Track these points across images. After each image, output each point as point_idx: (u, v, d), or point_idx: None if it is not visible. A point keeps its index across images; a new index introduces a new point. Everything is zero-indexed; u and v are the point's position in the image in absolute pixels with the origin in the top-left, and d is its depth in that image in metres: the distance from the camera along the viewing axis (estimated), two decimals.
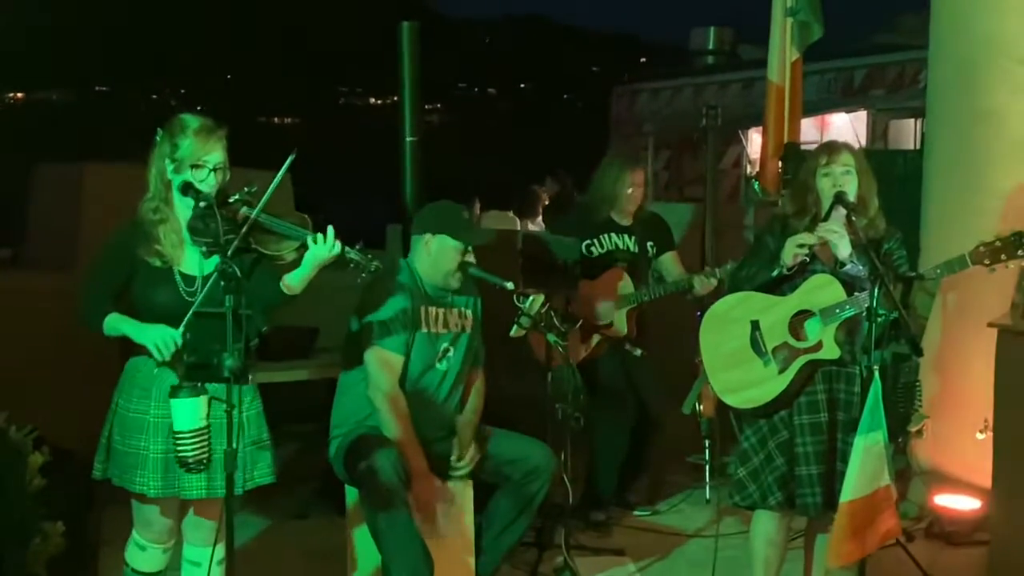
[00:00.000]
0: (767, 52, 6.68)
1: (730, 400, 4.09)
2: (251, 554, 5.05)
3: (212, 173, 3.53)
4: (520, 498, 4.50)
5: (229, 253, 3.33)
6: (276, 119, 54.66)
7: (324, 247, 3.58)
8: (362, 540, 4.43)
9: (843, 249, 3.91)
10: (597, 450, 5.64)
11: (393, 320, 4.36)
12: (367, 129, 39.08)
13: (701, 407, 5.75)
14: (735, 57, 17.83)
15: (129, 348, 3.64)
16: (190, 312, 3.46)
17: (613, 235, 5.70)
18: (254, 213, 3.52)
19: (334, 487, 4.86)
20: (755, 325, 4.03)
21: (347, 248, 3.63)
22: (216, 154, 3.55)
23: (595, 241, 5.68)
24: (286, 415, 4.10)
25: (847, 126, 14.08)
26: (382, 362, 4.36)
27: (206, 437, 3.35)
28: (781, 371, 3.98)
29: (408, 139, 6.01)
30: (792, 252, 3.95)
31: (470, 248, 4.44)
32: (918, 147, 11.00)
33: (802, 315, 4.00)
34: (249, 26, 53.57)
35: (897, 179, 6.79)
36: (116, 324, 3.55)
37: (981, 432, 5.27)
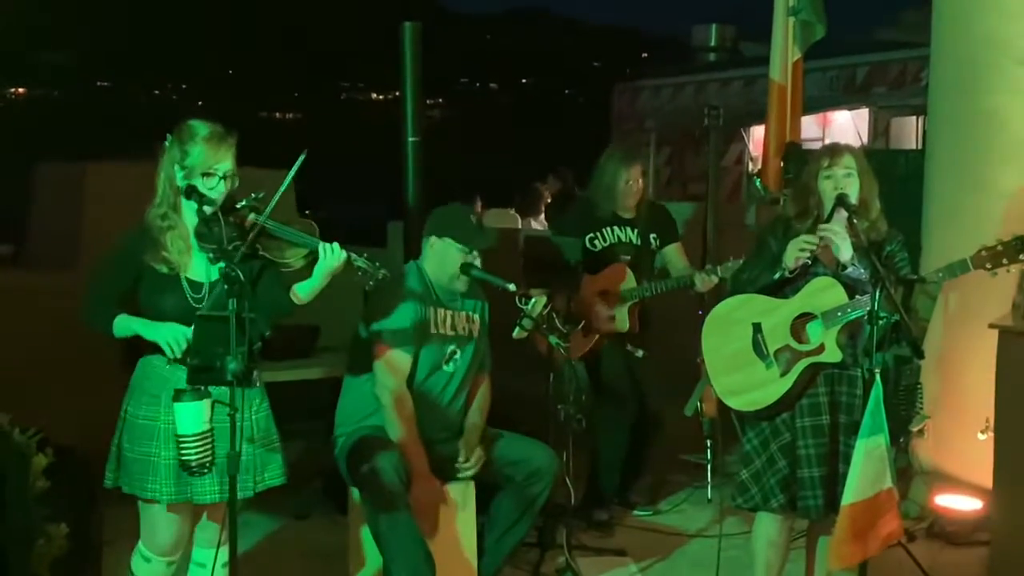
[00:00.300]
0: (769, 49, 6.69)
1: (732, 402, 4.10)
2: (254, 554, 5.07)
3: (222, 181, 3.54)
4: (522, 499, 4.52)
5: (236, 259, 3.33)
6: (277, 114, 54.66)
7: (332, 257, 3.59)
8: (365, 540, 4.45)
9: (845, 252, 3.92)
10: (598, 449, 5.66)
11: (403, 329, 4.39)
12: (368, 125, 39.06)
13: (703, 407, 5.76)
14: (737, 54, 17.83)
15: (133, 347, 3.65)
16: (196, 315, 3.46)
17: (616, 228, 5.70)
18: (261, 219, 3.52)
19: (336, 487, 4.88)
20: (757, 327, 4.03)
21: (354, 256, 3.64)
22: (226, 162, 3.55)
23: (598, 234, 5.69)
24: (287, 414, 4.10)
25: (849, 123, 14.09)
26: (391, 366, 4.39)
27: (209, 441, 3.36)
28: (783, 374, 3.99)
29: (410, 139, 6.01)
30: (794, 254, 3.95)
31: (474, 251, 4.46)
32: (920, 145, 11.00)
33: (804, 318, 4.01)
34: (250, 21, 53.55)
35: (898, 179, 6.80)
36: (127, 324, 3.56)
37: (982, 432, 5.27)
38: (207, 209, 3.45)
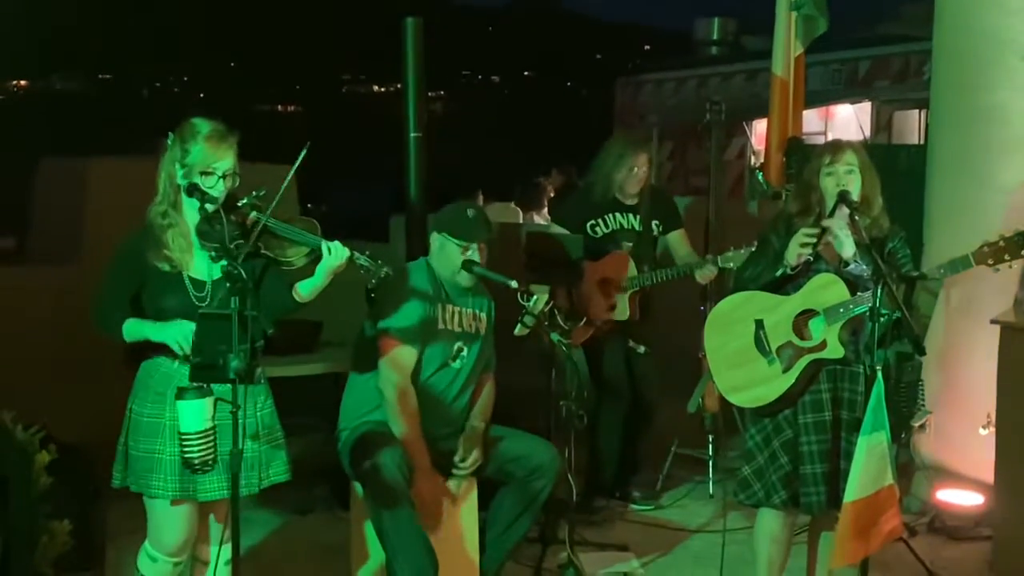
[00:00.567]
0: (771, 43, 6.69)
1: (735, 399, 4.11)
2: (256, 550, 5.08)
3: (221, 180, 3.53)
4: (524, 496, 4.52)
5: (240, 258, 3.33)
6: (279, 107, 54.60)
7: (335, 256, 3.60)
8: (367, 535, 4.45)
9: (847, 248, 3.92)
10: (598, 441, 5.66)
11: (410, 326, 4.39)
12: (370, 118, 39.03)
13: (704, 402, 5.76)
14: (739, 48, 17.81)
15: (135, 345, 3.65)
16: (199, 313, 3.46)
17: (617, 214, 5.70)
18: (263, 218, 3.52)
19: (338, 482, 4.88)
20: (759, 324, 4.04)
21: (356, 254, 3.64)
22: (227, 161, 3.55)
23: (599, 221, 5.68)
24: (289, 410, 4.11)
25: (851, 117, 14.07)
26: (396, 363, 4.40)
27: (212, 439, 3.36)
28: (785, 370, 4.00)
29: (412, 135, 6.02)
30: (796, 250, 3.96)
31: (474, 246, 4.46)
32: (922, 139, 10.99)
33: (806, 314, 4.01)
34: (251, 13, 53.48)
35: (900, 174, 6.79)
36: (136, 329, 3.56)
37: (984, 428, 5.28)
38: (209, 207, 3.45)
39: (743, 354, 4.06)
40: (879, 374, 3.59)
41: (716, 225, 6.22)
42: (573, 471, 4.71)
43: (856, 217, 3.90)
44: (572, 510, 4.75)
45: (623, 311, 5.60)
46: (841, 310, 3.93)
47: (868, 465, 3.59)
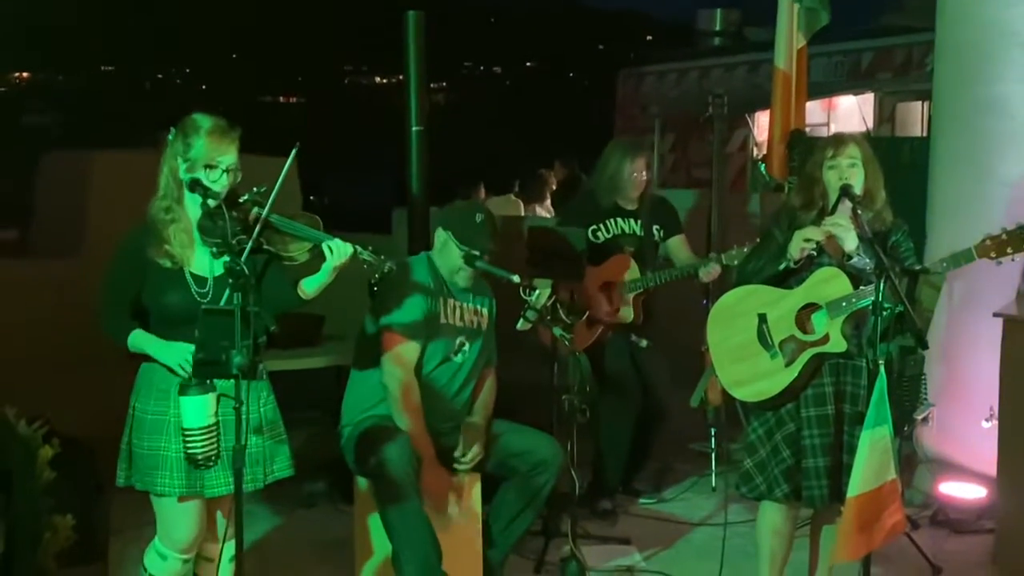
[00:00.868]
0: (773, 34, 6.68)
1: (738, 393, 4.11)
2: (260, 544, 5.09)
3: (224, 174, 3.52)
4: (527, 490, 4.53)
5: (244, 255, 3.33)
6: (281, 98, 54.55)
7: (339, 254, 3.59)
8: (372, 530, 4.45)
9: (850, 242, 3.92)
10: (602, 438, 5.66)
11: (412, 321, 4.39)
12: (372, 109, 38.98)
13: (707, 395, 5.76)
14: (741, 39, 17.75)
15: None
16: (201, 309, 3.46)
17: (619, 219, 5.71)
18: (265, 212, 3.52)
19: (342, 476, 4.89)
20: (762, 318, 4.04)
21: (359, 249, 3.64)
22: (229, 156, 3.54)
23: (601, 226, 5.69)
24: (292, 403, 4.11)
25: (854, 108, 14.03)
26: (399, 358, 4.40)
27: (215, 434, 3.37)
28: (788, 364, 3.99)
29: (414, 128, 6.02)
30: (799, 246, 3.96)
31: (474, 251, 4.45)
32: (925, 130, 10.97)
33: (809, 308, 4.01)
34: (254, 4, 53.36)
35: (903, 166, 6.79)
36: (140, 343, 3.56)
37: (987, 421, 5.28)
38: (211, 203, 3.44)
39: (746, 348, 4.06)
40: (882, 368, 3.59)
41: (718, 221, 6.22)
42: (575, 465, 4.71)
43: (859, 211, 3.90)
44: (575, 504, 4.76)
45: (628, 313, 5.60)
46: (844, 304, 3.93)
47: (871, 460, 3.59)
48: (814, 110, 12.33)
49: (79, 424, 4.74)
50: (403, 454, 4.21)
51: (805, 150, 5.58)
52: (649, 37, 51.64)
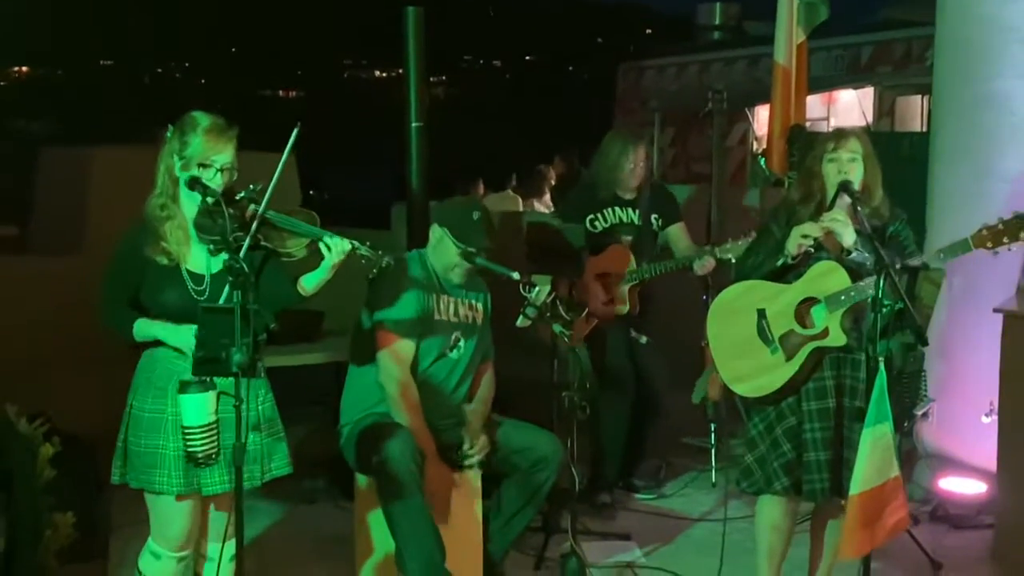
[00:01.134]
0: (773, 29, 6.68)
1: (740, 389, 4.11)
2: (260, 540, 5.09)
3: (219, 173, 3.51)
4: (527, 487, 4.53)
5: (242, 251, 3.33)
6: (281, 92, 54.50)
7: (337, 251, 3.59)
8: (371, 525, 4.46)
9: (847, 237, 3.92)
10: (601, 432, 5.67)
11: (407, 318, 4.39)
12: (372, 103, 38.95)
13: (707, 391, 5.76)
14: (741, 33, 17.74)
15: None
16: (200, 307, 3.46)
17: (617, 209, 5.72)
18: (261, 208, 3.52)
19: (342, 472, 4.89)
20: (761, 314, 4.04)
21: (357, 244, 3.63)
22: (225, 155, 3.53)
23: (599, 216, 5.70)
24: (292, 399, 4.11)
25: (854, 102, 14.01)
26: (395, 356, 4.40)
27: (215, 432, 3.37)
28: (789, 358, 4.00)
29: (413, 124, 6.01)
30: (796, 242, 3.96)
31: (469, 249, 4.45)
32: (925, 124, 10.96)
33: (808, 302, 4.01)
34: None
35: (903, 161, 6.78)
36: (146, 330, 3.55)
37: (987, 415, 5.29)
38: (210, 200, 3.44)
39: (746, 343, 4.06)
40: (882, 365, 3.59)
41: (718, 215, 6.22)
42: (575, 461, 4.72)
43: (857, 207, 3.90)
44: (575, 500, 4.77)
45: (624, 304, 5.61)
46: (842, 297, 3.93)
47: (873, 457, 3.59)
48: (814, 104, 12.30)
49: (79, 422, 4.73)
50: (406, 450, 4.20)
51: (805, 145, 5.58)
52: (649, 31, 51.57)
